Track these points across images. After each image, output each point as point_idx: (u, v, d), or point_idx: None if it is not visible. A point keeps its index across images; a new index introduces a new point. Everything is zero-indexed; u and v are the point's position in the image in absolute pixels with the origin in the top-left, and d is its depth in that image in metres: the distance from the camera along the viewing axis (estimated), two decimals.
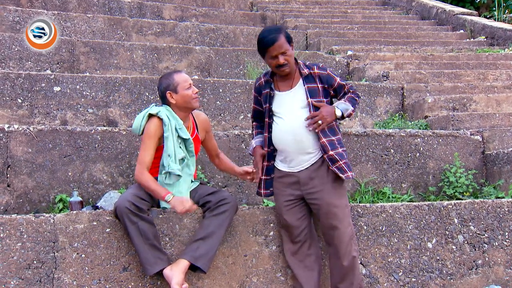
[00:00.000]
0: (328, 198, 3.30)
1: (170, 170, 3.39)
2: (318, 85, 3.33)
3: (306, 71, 3.34)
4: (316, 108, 3.30)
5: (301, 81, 3.35)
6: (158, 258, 3.26)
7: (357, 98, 3.41)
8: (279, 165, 3.46)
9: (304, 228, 3.44)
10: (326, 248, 3.62)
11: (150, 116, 3.47)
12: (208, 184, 4.31)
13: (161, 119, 3.43)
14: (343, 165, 3.30)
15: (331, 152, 3.28)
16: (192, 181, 3.59)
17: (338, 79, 3.38)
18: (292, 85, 3.36)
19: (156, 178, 3.46)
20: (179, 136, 3.47)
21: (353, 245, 3.35)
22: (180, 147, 3.47)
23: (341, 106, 3.33)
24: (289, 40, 3.27)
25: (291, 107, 3.36)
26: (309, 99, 3.30)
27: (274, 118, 3.40)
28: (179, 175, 3.43)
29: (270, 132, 3.43)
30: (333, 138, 3.33)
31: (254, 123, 3.65)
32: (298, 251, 3.46)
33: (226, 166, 3.84)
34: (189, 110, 3.57)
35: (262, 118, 3.52)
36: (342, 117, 3.35)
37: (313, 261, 3.47)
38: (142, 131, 3.49)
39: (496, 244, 3.89)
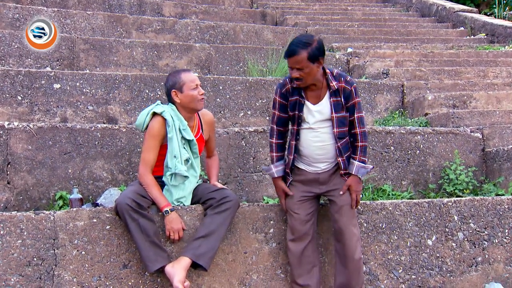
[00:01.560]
0: (345, 195, 3.38)
1: (177, 171, 3.40)
2: (342, 99, 3.33)
3: (334, 84, 3.32)
4: (342, 122, 3.36)
5: (328, 94, 3.35)
6: (159, 255, 3.26)
7: (367, 143, 3.43)
8: (300, 164, 3.49)
9: (312, 223, 3.46)
10: (326, 246, 3.63)
11: (155, 114, 3.45)
12: (208, 181, 4.31)
13: (165, 119, 3.41)
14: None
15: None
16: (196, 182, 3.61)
17: (356, 100, 3.34)
18: (320, 97, 3.36)
19: (159, 177, 3.46)
20: (183, 137, 3.46)
21: (359, 245, 3.41)
22: (184, 148, 3.47)
23: (361, 172, 3.38)
24: (312, 58, 3.19)
25: (319, 119, 3.37)
26: (333, 114, 3.33)
27: (303, 125, 3.40)
28: (186, 176, 3.44)
29: (297, 139, 3.42)
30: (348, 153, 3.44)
31: (274, 141, 3.51)
32: (305, 247, 3.46)
33: (207, 171, 3.84)
34: (193, 111, 3.54)
35: (284, 127, 3.51)
36: None
37: (316, 257, 3.49)
38: (145, 128, 3.48)
39: (496, 241, 3.89)
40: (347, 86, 3.32)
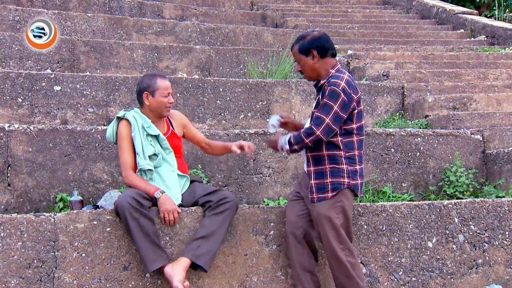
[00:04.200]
0: (317, 207, 3.29)
1: (140, 166, 3.46)
2: (321, 96, 3.28)
3: (322, 82, 3.32)
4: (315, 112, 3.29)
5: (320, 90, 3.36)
6: (158, 255, 3.27)
7: (304, 137, 3.21)
8: None
9: (301, 225, 3.43)
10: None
11: (119, 120, 3.57)
12: (208, 183, 4.32)
13: (128, 121, 3.54)
14: (320, 195, 3.27)
15: (311, 182, 3.30)
16: (179, 175, 3.61)
17: (325, 100, 3.18)
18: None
19: None
20: (148, 134, 3.54)
21: (345, 256, 3.25)
22: (152, 144, 3.53)
23: (281, 141, 3.33)
24: (303, 51, 3.30)
25: None
26: (314, 110, 3.31)
27: None
28: (150, 170, 3.48)
29: None
30: (325, 166, 3.27)
31: None
32: (294, 248, 3.46)
33: (218, 147, 3.82)
34: (160, 116, 3.64)
35: None
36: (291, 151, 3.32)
37: (307, 261, 3.45)
38: (115, 139, 3.59)
39: (497, 243, 3.89)
40: (327, 85, 3.23)
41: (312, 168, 3.30)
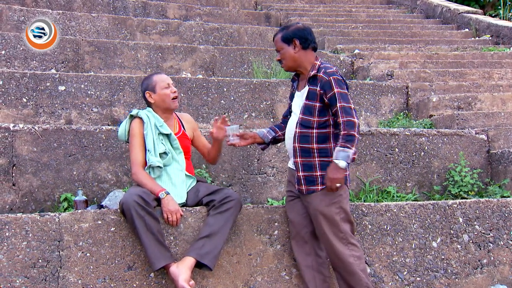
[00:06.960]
0: (315, 204, 3.28)
1: (150, 163, 3.49)
2: (318, 88, 3.25)
3: (312, 73, 3.29)
4: (308, 110, 3.27)
5: (307, 82, 3.34)
6: (163, 253, 3.28)
7: (352, 132, 3.12)
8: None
9: (305, 225, 3.43)
10: None
11: (132, 118, 3.62)
12: (212, 183, 4.32)
13: (142, 119, 3.58)
14: (310, 187, 3.27)
15: (299, 174, 3.30)
16: (186, 175, 3.63)
17: (335, 91, 3.16)
18: (304, 86, 3.37)
19: None
20: (160, 133, 3.58)
21: (349, 251, 3.25)
22: (163, 143, 3.57)
23: (340, 155, 3.10)
24: (286, 39, 3.32)
25: (295, 108, 3.40)
26: (304, 101, 3.29)
27: (292, 114, 3.47)
28: (159, 167, 3.51)
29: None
30: (314, 159, 3.26)
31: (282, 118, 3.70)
32: (300, 249, 3.47)
33: (212, 149, 3.79)
34: (169, 111, 3.69)
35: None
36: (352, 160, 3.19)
37: (314, 260, 3.45)
38: (127, 137, 3.63)
39: (501, 243, 3.88)
40: (324, 76, 3.22)
41: (299, 160, 3.30)
